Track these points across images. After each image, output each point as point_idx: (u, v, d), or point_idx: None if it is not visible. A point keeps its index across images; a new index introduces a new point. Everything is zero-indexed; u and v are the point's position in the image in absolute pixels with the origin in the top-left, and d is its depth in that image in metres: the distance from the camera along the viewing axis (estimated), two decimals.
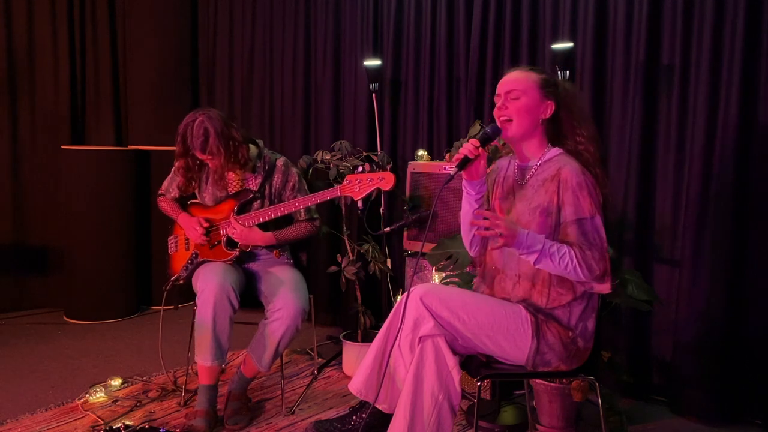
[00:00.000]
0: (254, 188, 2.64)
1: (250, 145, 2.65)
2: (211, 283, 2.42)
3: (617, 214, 2.86)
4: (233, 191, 2.66)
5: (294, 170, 2.71)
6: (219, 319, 2.40)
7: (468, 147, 1.85)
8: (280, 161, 2.70)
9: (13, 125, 4.17)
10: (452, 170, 1.86)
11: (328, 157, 3.08)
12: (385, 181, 2.36)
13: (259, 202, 2.65)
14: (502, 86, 1.91)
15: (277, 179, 2.67)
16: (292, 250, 2.82)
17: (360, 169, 2.46)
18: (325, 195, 2.47)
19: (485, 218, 1.71)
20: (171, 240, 2.81)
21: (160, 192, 2.85)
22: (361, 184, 2.39)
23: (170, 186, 2.80)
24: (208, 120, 2.50)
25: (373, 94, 3.52)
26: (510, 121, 1.88)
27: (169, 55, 4.32)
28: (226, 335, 2.44)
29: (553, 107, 1.89)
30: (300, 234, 2.68)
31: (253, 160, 2.64)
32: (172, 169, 2.78)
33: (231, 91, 4.37)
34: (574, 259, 1.74)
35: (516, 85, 1.88)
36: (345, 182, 2.42)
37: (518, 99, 1.87)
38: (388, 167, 2.34)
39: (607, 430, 2.00)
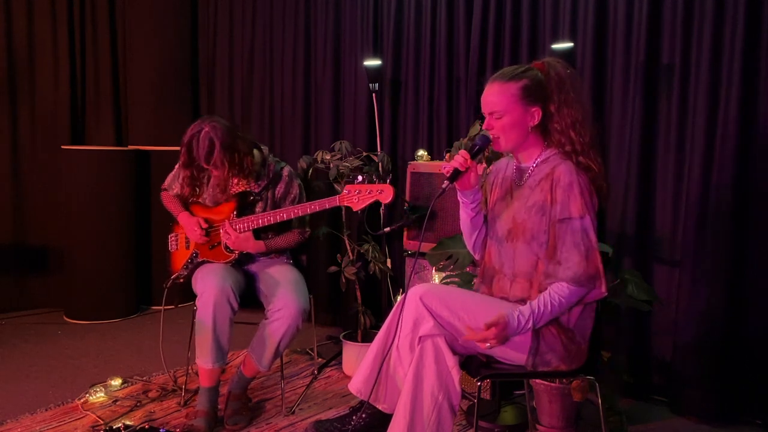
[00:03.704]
0: (255, 190, 2.64)
1: (255, 152, 2.64)
2: (211, 285, 2.42)
3: (618, 213, 2.86)
4: (234, 193, 2.66)
5: (297, 182, 2.71)
6: (219, 321, 2.40)
7: (458, 160, 1.85)
8: (285, 171, 2.70)
9: (13, 125, 4.17)
10: (444, 183, 1.87)
11: (328, 157, 3.07)
12: (384, 194, 2.37)
13: (261, 205, 2.65)
14: (484, 105, 1.89)
15: (280, 188, 2.67)
16: (292, 250, 2.82)
17: (360, 178, 2.47)
18: (324, 204, 2.47)
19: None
20: (171, 238, 2.81)
21: (163, 187, 2.85)
22: (361, 195, 2.40)
23: (173, 182, 2.79)
24: (213, 131, 2.47)
25: (373, 94, 3.52)
26: (498, 137, 1.88)
27: (169, 55, 4.32)
28: (226, 337, 2.44)
29: (540, 112, 1.86)
30: (289, 243, 2.70)
31: (258, 167, 2.64)
32: (177, 166, 2.77)
33: (231, 91, 4.37)
34: (556, 295, 1.76)
35: (496, 105, 1.85)
36: (344, 192, 2.42)
37: (501, 118, 1.85)
38: (388, 179, 2.36)
39: (607, 430, 1.99)
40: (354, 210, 2.41)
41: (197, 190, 2.70)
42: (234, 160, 2.52)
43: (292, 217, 2.55)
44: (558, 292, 1.76)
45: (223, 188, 2.61)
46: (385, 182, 2.45)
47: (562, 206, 1.79)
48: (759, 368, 2.58)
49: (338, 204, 2.45)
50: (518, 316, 1.74)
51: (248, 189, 2.64)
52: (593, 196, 1.82)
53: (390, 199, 2.37)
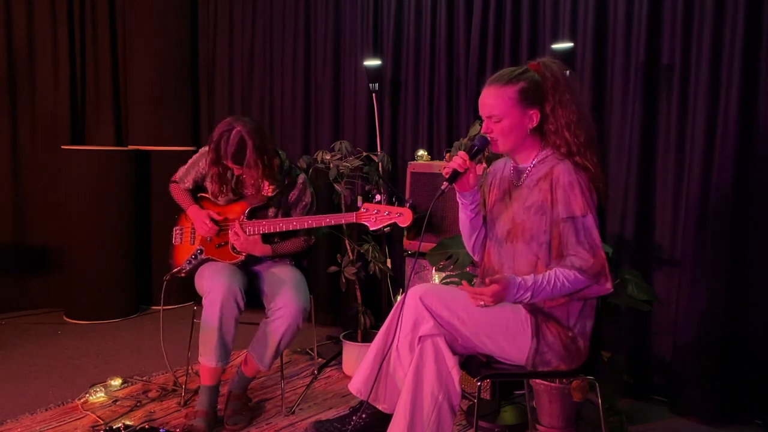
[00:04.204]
0: (269, 194, 2.64)
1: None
2: (219, 284, 2.42)
3: (618, 213, 2.86)
4: (247, 195, 2.65)
5: (310, 191, 2.71)
6: (225, 321, 2.40)
7: (457, 161, 1.86)
8: (301, 178, 2.70)
9: (13, 125, 4.17)
10: (443, 185, 1.87)
11: (328, 157, 3.07)
12: (403, 217, 2.35)
13: (273, 209, 2.65)
14: (481, 109, 1.89)
15: (293, 194, 2.67)
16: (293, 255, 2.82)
17: (378, 198, 2.46)
18: (340, 218, 2.48)
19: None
20: (176, 231, 2.81)
21: (173, 179, 2.81)
22: (378, 216, 2.39)
23: (186, 176, 2.76)
24: (246, 132, 2.47)
25: (373, 94, 3.52)
26: (497, 140, 1.88)
27: (169, 55, 4.32)
28: (231, 336, 2.44)
29: (539, 114, 1.86)
30: (295, 249, 2.70)
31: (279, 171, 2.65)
32: (190, 161, 2.75)
33: (231, 91, 4.37)
34: (561, 276, 1.74)
35: (494, 109, 1.85)
36: (362, 210, 2.41)
37: (500, 121, 1.85)
38: (407, 204, 2.36)
39: (607, 430, 1.99)
40: (370, 229, 2.41)
41: (225, 187, 2.67)
42: (265, 160, 2.52)
43: (306, 227, 2.55)
44: (564, 274, 1.75)
45: (258, 188, 2.60)
46: (403, 204, 2.43)
47: (564, 206, 1.79)
48: (759, 368, 2.58)
49: (355, 221, 2.44)
50: (521, 282, 1.72)
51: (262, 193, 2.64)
52: (593, 193, 1.83)
53: (408, 223, 2.34)
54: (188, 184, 2.76)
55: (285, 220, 2.55)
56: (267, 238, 2.62)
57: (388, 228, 3.13)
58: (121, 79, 4.45)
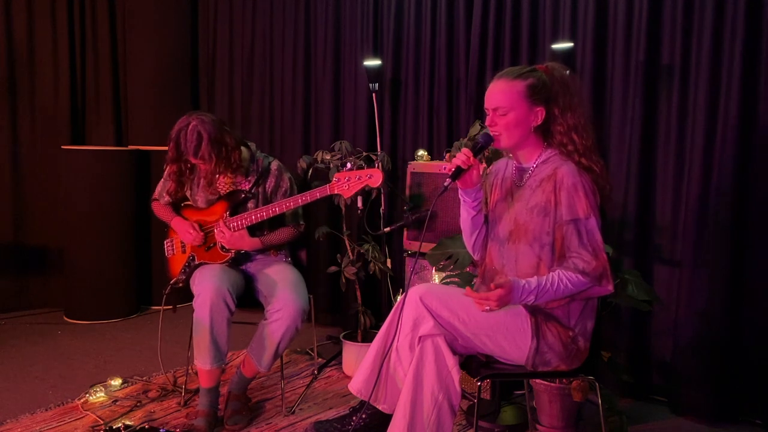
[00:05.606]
0: (245, 188, 2.64)
1: (242, 149, 2.64)
2: (208, 286, 2.42)
3: (618, 213, 2.86)
4: (225, 193, 2.66)
5: (287, 176, 2.71)
6: (216, 322, 2.40)
7: (461, 157, 1.86)
8: (274, 165, 2.70)
9: (13, 125, 4.17)
10: (446, 181, 1.87)
11: (328, 157, 3.07)
12: (374, 178, 2.37)
13: (253, 202, 2.65)
14: (488, 101, 1.89)
15: (270, 183, 2.68)
16: (290, 249, 2.82)
17: (348, 166, 2.47)
18: (315, 193, 2.47)
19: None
20: (167, 243, 2.81)
21: (153, 197, 2.86)
22: (350, 182, 2.40)
23: (163, 191, 2.79)
24: (202, 125, 2.49)
25: (373, 94, 3.52)
26: (500, 134, 1.88)
27: (169, 55, 4.32)
28: (224, 337, 2.44)
29: (544, 112, 1.86)
30: (284, 238, 2.69)
31: (246, 163, 2.64)
32: (164, 174, 2.77)
33: (231, 91, 4.37)
34: (564, 278, 1.75)
35: (501, 101, 1.85)
36: (334, 180, 2.42)
37: (506, 114, 1.85)
38: (377, 164, 2.36)
39: (607, 430, 2.00)
40: (345, 197, 2.41)
41: (183, 186, 2.69)
42: (221, 153, 2.52)
43: (285, 210, 2.55)
44: (566, 276, 1.75)
45: (210, 181, 2.61)
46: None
47: (567, 208, 1.79)
48: (759, 368, 2.58)
49: (329, 193, 2.44)
50: (524, 285, 1.73)
51: (238, 188, 2.65)
52: (596, 195, 1.83)
53: (379, 182, 2.36)
54: (167, 198, 2.77)
55: (265, 208, 2.55)
56: (254, 231, 2.62)
57: (389, 228, 3.16)
58: (121, 79, 4.45)
